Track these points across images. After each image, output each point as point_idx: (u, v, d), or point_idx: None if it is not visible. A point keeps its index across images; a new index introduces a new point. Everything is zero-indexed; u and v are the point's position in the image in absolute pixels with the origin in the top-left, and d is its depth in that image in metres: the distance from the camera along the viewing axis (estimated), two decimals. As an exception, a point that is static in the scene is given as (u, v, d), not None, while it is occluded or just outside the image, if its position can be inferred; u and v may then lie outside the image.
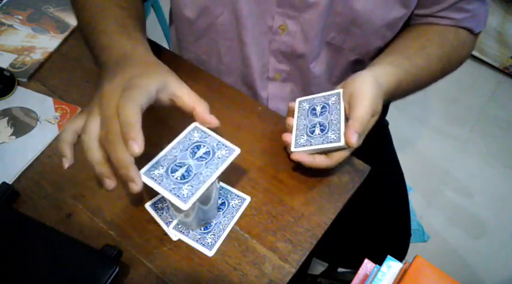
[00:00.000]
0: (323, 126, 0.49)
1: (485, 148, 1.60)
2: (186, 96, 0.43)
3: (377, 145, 0.82)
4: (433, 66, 0.60)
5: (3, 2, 0.73)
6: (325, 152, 0.49)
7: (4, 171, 0.53)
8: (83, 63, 0.65)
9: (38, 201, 0.51)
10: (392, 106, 0.87)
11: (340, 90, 0.51)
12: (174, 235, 0.48)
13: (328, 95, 0.52)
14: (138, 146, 0.36)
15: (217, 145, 0.43)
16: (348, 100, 0.49)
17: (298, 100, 0.55)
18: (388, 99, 0.55)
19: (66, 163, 0.42)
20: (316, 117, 0.51)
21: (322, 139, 0.48)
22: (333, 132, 0.48)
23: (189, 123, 0.46)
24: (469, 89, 1.75)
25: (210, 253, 0.47)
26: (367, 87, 0.49)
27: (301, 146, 0.49)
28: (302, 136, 0.50)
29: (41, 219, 0.48)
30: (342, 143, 0.46)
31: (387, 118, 0.87)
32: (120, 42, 0.47)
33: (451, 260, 1.33)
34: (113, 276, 0.43)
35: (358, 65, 0.67)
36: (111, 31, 0.48)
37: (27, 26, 0.69)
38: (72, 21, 0.70)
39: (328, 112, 0.50)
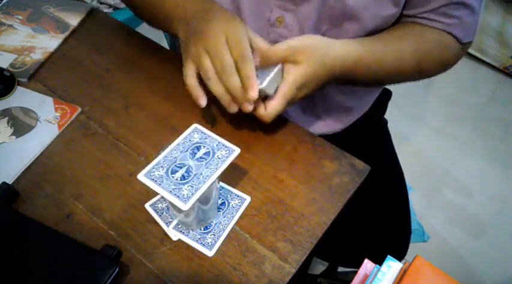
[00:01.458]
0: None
1: (485, 148, 1.60)
2: (259, 41, 0.50)
3: (376, 144, 0.82)
4: (405, 57, 0.59)
5: (3, 2, 0.73)
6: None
7: (4, 171, 0.53)
8: (83, 63, 0.65)
9: (38, 201, 0.51)
10: (392, 106, 0.87)
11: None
12: (174, 235, 0.48)
13: (272, 67, 0.51)
14: (254, 91, 0.46)
15: (217, 145, 0.44)
16: (289, 57, 0.51)
17: None
18: (345, 76, 0.55)
19: (203, 101, 0.50)
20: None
21: None
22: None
23: (190, 124, 0.46)
24: (469, 89, 1.75)
25: (210, 253, 0.47)
26: (308, 58, 0.50)
27: None
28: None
29: (41, 219, 0.48)
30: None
31: (386, 117, 0.87)
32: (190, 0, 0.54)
33: (451, 260, 1.33)
34: (113, 276, 0.43)
35: None
36: None
37: (27, 26, 0.69)
38: (72, 21, 0.70)
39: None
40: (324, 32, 0.60)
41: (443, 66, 0.64)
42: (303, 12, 0.57)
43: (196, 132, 0.45)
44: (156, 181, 0.40)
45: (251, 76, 0.46)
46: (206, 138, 0.44)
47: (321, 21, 0.58)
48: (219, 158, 0.43)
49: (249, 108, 0.49)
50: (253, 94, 0.47)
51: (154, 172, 0.41)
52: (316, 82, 0.52)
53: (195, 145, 0.44)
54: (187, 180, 0.40)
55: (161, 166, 0.41)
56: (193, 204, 0.40)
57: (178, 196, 0.39)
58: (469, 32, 0.61)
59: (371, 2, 0.55)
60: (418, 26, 0.61)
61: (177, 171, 0.41)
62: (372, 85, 0.66)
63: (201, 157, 0.42)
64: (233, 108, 0.49)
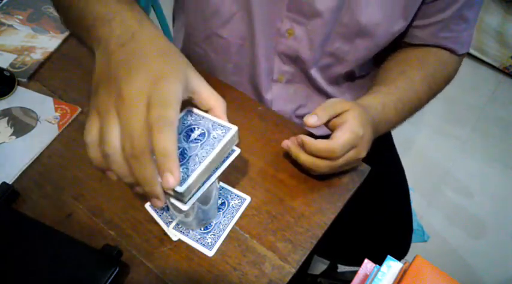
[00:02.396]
0: (183, 155, 0.38)
1: (485, 148, 1.60)
2: (204, 94, 0.39)
3: (377, 143, 0.82)
4: (417, 86, 0.61)
5: (3, 2, 0.73)
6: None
7: (4, 171, 0.53)
8: (83, 63, 0.65)
9: (38, 201, 0.51)
10: (393, 106, 0.87)
11: (235, 128, 0.40)
12: (174, 235, 0.48)
13: (219, 125, 0.40)
14: (175, 179, 0.32)
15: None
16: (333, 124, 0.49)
17: (187, 109, 0.42)
18: (380, 122, 0.55)
19: (114, 176, 0.37)
20: (186, 142, 0.39)
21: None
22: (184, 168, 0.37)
23: None
24: (469, 89, 1.75)
25: (210, 253, 0.47)
26: (351, 104, 0.49)
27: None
28: None
29: (41, 219, 0.48)
30: (179, 189, 0.35)
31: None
32: (121, 14, 0.39)
33: (451, 260, 1.33)
34: (113, 276, 0.43)
35: (352, 74, 0.69)
36: None
37: (27, 26, 0.69)
38: (72, 21, 0.70)
39: (202, 143, 0.39)
40: (336, 48, 0.60)
41: (447, 82, 0.67)
42: (314, 27, 0.57)
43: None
44: None
45: (174, 170, 0.32)
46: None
47: (332, 36, 0.59)
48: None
49: (157, 203, 0.35)
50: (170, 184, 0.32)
51: None
52: (370, 126, 0.51)
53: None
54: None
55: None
56: (193, 204, 0.39)
57: None
58: (465, 44, 0.64)
59: (383, 18, 0.56)
60: (415, 51, 0.64)
61: None
62: (401, 123, 0.64)
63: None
64: (139, 190, 0.36)
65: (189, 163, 0.37)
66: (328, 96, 0.70)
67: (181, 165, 0.37)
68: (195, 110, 0.41)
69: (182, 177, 0.36)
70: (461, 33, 0.62)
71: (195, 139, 0.39)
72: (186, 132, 0.40)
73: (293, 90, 0.69)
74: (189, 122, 0.41)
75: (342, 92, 0.71)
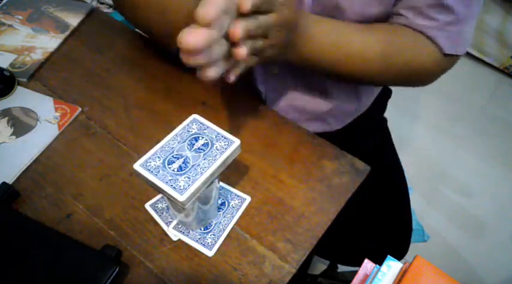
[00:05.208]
0: (185, 164, 0.41)
1: (485, 148, 1.60)
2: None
3: (376, 142, 0.82)
4: (369, 42, 0.52)
5: (3, 2, 0.73)
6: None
7: (4, 171, 0.53)
8: (83, 63, 0.65)
9: (38, 201, 0.51)
10: (392, 105, 0.87)
11: (237, 142, 0.43)
12: (174, 235, 0.48)
13: (222, 136, 0.43)
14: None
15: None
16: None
17: (193, 116, 0.45)
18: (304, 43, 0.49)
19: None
20: (190, 150, 0.42)
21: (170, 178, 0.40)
22: (185, 177, 0.39)
23: None
24: (469, 89, 1.75)
25: (210, 253, 0.47)
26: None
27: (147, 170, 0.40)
28: (156, 159, 0.41)
29: (41, 219, 0.48)
30: (180, 199, 0.38)
31: (386, 116, 0.87)
32: None
33: (451, 260, 1.33)
34: (112, 276, 0.43)
35: None
36: None
37: (27, 26, 0.69)
38: (72, 21, 0.70)
39: (205, 154, 0.42)
40: None
41: (418, 71, 0.56)
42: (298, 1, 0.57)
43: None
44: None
45: None
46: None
47: (315, 12, 0.58)
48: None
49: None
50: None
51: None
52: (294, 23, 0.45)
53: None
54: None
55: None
56: (193, 203, 0.39)
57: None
58: (454, 42, 0.54)
59: (356, 2, 0.54)
60: (395, 23, 0.56)
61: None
62: (331, 71, 0.55)
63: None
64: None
65: (190, 172, 0.39)
66: (324, 91, 0.69)
67: (183, 174, 0.39)
68: (200, 119, 0.44)
69: (183, 186, 0.38)
70: (447, 26, 0.53)
71: (199, 148, 0.41)
72: (190, 141, 0.42)
73: (289, 80, 0.68)
74: (193, 130, 0.43)
75: (336, 86, 0.70)
